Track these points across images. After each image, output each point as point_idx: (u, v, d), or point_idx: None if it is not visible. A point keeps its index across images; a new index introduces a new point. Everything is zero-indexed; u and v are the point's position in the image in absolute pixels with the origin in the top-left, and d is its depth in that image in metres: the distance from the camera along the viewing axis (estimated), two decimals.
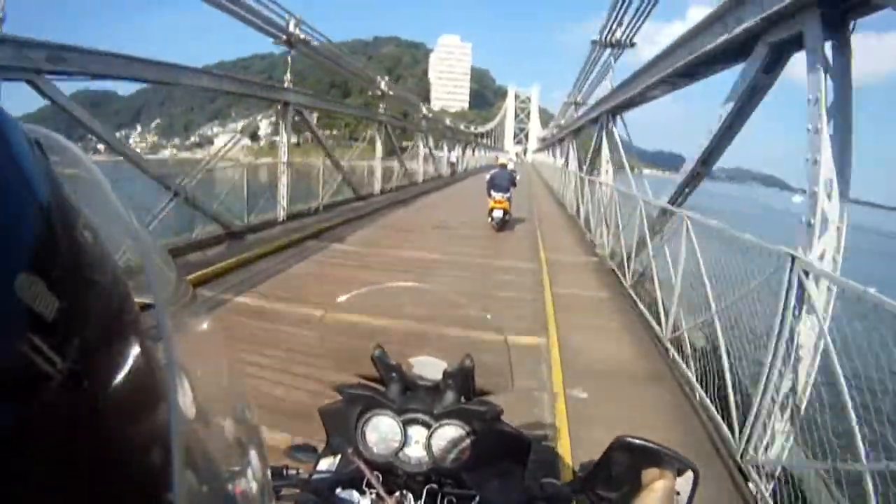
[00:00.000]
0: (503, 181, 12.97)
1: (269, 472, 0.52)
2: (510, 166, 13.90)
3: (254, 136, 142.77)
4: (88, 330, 0.26)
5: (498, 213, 12.85)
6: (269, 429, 3.49)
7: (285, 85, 12.49)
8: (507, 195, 12.98)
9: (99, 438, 0.26)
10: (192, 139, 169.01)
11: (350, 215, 13.64)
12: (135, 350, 0.29)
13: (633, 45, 13.03)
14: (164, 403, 0.29)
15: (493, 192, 12.98)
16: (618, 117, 11.99)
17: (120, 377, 0.28)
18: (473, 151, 60.25)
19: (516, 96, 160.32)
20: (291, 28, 12.01)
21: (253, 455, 0.49)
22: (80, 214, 0.28)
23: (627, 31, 12.62)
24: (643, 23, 11.54)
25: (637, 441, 1.01)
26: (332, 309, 1.47)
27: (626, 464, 1.01)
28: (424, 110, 26.94)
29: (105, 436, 0.26)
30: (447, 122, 42.08)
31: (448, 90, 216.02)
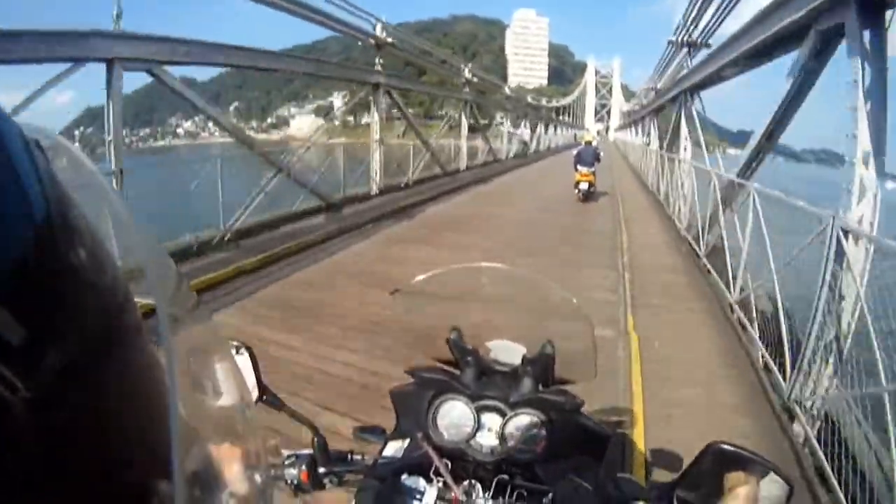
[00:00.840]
0: (588, 156, 14.97)
1: (270, 476, 0.56)
2: (594, 143, 15.54)
3: (328, 116, 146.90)
4: (77, 344, 0.26)
5: (584, 186, 14.90)
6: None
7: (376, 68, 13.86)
8: (592, 169, 14.94)
9: (85, 456, 0.26)
10: (269, 120, 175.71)
11: (442, 189, 15.45)
12: (135, 357, 0.31)
13: (708, 45, 13.02)
14: (164, 414, 0.29)
15: (579, 167, 14.98)
16: (695, 96, 12.58)
17: (116, 387, 0.29)
18: (555, 129, 58.60)
19: (596, 71, 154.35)
20: (378, 31, 13.51)
21: (254, 459, 0.52)
22: (82, 218, 0.29)
23: (704, 33, 13.12)
24: (719, 26, 12.10)
25: (730, 448, 1.00)
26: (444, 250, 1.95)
27: (710, 467, 1.01)
28: (507, 90, 27.44)
29: (94, 452, 0.27)
30: (528, 98, 41.88)
31: (525, 66, 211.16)
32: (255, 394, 1.12)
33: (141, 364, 0.31)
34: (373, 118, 14.00)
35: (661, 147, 17.28)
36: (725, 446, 1.00)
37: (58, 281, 0.26)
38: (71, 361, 0.25)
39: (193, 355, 0.42)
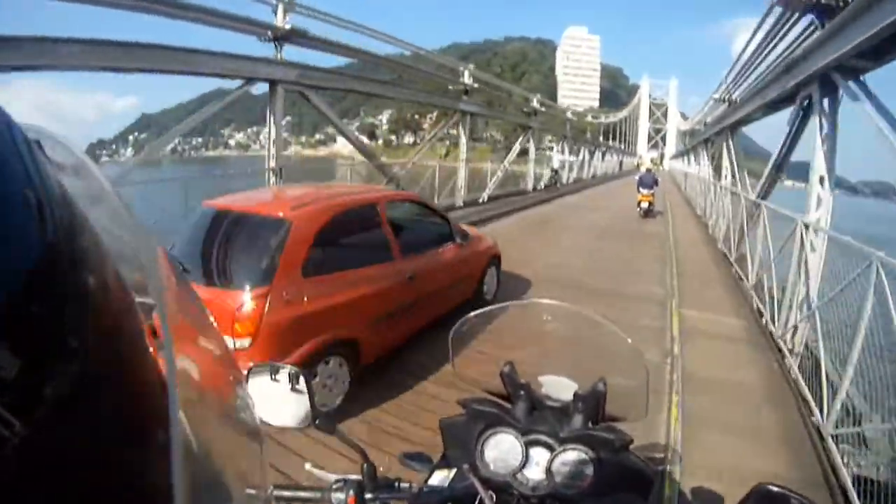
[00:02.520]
0: (648, 180, 19.73)
1: (271, 498, 0.60)
2: (652, 170, 21.15)
3: (371, 136, 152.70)
4: (78, 373, 0.26)
5: (644, 205, 19.50)
6: None
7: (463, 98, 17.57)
8: (652, 191, 19.55)
9: (83, 492, 0.27)
10: (317, 136, 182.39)
11: (517, 205, 19.03)
12: (139, 381, 0.32)
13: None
14: (165, 441, 0.30)
15: (641, 189, 19.66)
16: (736, 132, 15.82)
17: (117, 416, 0.29)
18: (602, 155, 54.49)
19: (651, 97, 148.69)
20: (466, 79, 17.45)
21: (255, 466, 0.55)
22: (84, 221, 0.29)
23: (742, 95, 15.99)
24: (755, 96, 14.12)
25: (777, 489, 1.08)
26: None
27: None
28: (535, 103, 26.12)
29: (92, 487, 0.27)
30: (568, 114, 38.80)
31: (575, 87, 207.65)
32: (308, 419, 1.27)
33: (145, 388, 0.32)
34: (461, 140, 17.67)
35: (712, 175, 20.55)
36: (772, 487, 1.10)
37: (60, 307, 0.26)
38: (71, 392, 0.25)
39: (193, 361, 0.44)
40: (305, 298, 4.00)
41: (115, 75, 8.07)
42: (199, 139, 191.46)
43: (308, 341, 3.96)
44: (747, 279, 9.30)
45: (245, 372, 1.30)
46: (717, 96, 21.09)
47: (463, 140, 17.71)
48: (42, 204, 0.26)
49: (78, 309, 0.26)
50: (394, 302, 4.88)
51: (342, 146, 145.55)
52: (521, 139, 24.76)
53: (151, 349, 0.33)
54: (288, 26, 10.46)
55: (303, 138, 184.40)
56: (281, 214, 4.21)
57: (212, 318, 0.53)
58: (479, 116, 18.57)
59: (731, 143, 15.48)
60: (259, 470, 0.58)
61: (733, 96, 16.49)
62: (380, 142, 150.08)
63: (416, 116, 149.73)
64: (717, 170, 17.91)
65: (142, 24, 9.02)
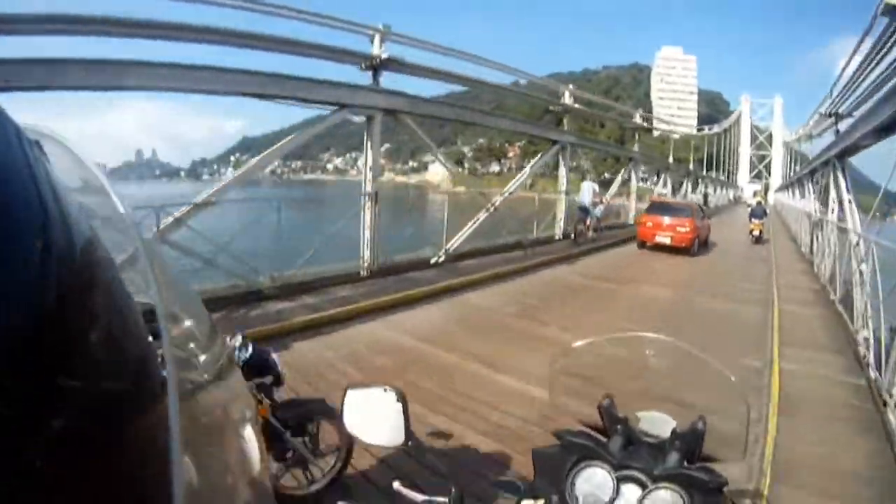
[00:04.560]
0: (759, 211, 25.18)
1: (269, 484, 0.62)
2: (761, 202, 26.56)
3: (459, 163, 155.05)
4: (86, 411, 0.27)
5: (756, 232, 24.55)
6: None
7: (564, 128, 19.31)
8: (762, 221, 24.69)
9: (99, 486, 0.28)
10: (411, 164, 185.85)
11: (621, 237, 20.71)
12: (149, 422, 0.33)
13: (852, 116, 15.05)
14: (167, 478, 0.30)
15: (752, 219, 24.97)
16: (843, 162, 15.59)
17: (122, 455, 0.30)
18: (694, 187, 48.51)
19: (751, 114, 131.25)
20: (567, 100, 18.82)
21: (254, 468, 0.56)
22: (84, 222, 0.30)
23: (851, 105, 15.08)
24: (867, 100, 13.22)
25: None
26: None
27: None
28: (637, 118, 26.94)
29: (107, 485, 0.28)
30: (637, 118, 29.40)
31: (671, 111, 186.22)
32: (402, 438, 1.36)
33: (152, 431, 0.32)
34: (560, 171, 18.96)
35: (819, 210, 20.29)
36: None
37: (75, 302, 0.26)
38: (77, 429, 0.26)
39: (196, 371, 0.46)
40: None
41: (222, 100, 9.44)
42: (299, 162, 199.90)
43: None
44: (851, 322, 9.39)
45: (343, 391, 1.53)
46: (822, 111, 20.38)
47: (563, 171, 18.97)
48: (44, 206, 0.26)
49: (85, 309, 0.28)
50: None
51: (432, 174, 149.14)
52: (622, 171, 26.54)
53: (152, 350, 0.35)
54: (385, 55, 11.40)
55: (398, 165, 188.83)
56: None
57: (212, 320, 0.53)
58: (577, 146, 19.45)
59: (838, 174, 14.74)
60: (258, 471, 0.60)
61: (840, 110, 16.19)
62: (464, 170, 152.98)
63: (506, 145, 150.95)
64: (825, 203, 17.41)
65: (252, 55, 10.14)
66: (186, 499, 0.30)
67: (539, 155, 18.77)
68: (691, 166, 52.07)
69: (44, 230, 0.25)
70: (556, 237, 18.70)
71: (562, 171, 19.13)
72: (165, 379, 0.33)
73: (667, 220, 18.65)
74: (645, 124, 26.96)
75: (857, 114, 15.09)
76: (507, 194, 15.96)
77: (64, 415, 0.25)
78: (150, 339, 0.35)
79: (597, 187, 18.98)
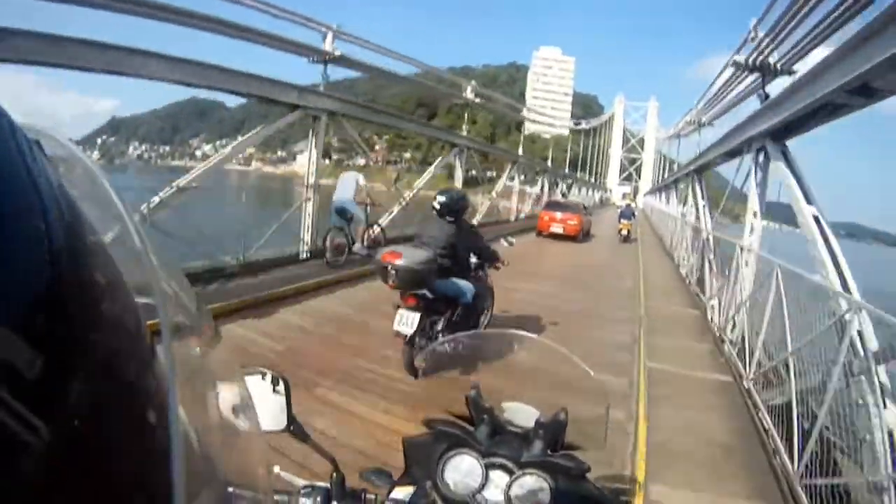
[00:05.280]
0: (628, 212, 27.65)
1: (271, 485, 0.62)
2: (630, 204, 29.95)
3: (325, 154, 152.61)
4: (99, 376, 0.28)
5: (624, 232, 27.05)
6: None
7: (463, 131, 21.69)
8: (630, 221, 27.15)
9: (94, 496, 0.27)
10: (279, 153, 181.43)
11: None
12: (146, 388, 0.33)
13: (791, 72, 10.96)
14: (166, 447, 0.31)
15: (621, 220, 27.37)
16: (700, 175, 18.94)
17: (129, 423, 0.31)
18: (568, 188, 49.25)
19: (626, 117, 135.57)
20: (468, 93, 21.13)
21: (256, 484, 0.56)
22: (86, 223, 0.31)
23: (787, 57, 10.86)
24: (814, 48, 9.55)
25: None
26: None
27: None
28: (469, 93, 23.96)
29: (102, 492, 0.28)
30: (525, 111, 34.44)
31: (545, 111, 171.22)
32: (284, 423, 1.33)
33: (150, 396, 0.33)
34: (457, 175, 21.27)
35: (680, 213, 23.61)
36: None
37: (77, 303, 0.27)
38: (94, 396, 0.27)
39: (203, 383, 0.47)
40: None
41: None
42: (167, 147, 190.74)
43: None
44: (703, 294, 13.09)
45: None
46: (689, 118, 25.84)
47: (458, 174, 21.00)
48: (45, 207, 0.27)
49: (80, 312, 0.27)
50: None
51: (300, 166, 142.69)
52: (506, 171, 28.83)
53: (152, 350, 0.35)
54: (338, 52, 13.13)
55: (267, 154, 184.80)
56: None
57: (212, 320, 0.55)
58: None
59: (696, 185, 18.22)
60: (260, 470, 0.62)
61: (702, 119, 21.49)
62: (331, 162, 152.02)
63: (374, 137, 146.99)
64: (685, 206, 21.71)
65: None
66: (186, 498, 0.32)
67: (442, 157, 20.06)
68: (566, 169, 53.54)
69: (44, 230, 0.26)
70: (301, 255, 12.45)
71: (458, 174, 20.80)
72: (165, 379, 0.35)
73: (559, 214, 24.73)
74: (529, 118, 29.24)
75: (716, 123, 19.74)
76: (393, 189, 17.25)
77: (63, 414, 0.25)
78: (150, 337, 0.36)
79: (361, 179, 12.77)
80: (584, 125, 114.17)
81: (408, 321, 5.75)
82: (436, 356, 1.92)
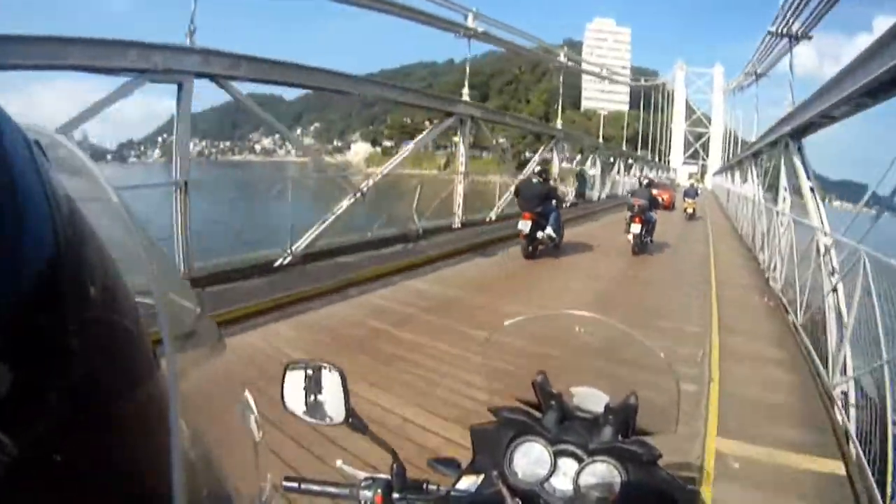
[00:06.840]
0: (692, 192, 29.77)
1: (268, 483, 0.61)
2: (695, 184, 34.68)
3: (374, 143, 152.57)
4: (80, 393, 0.27)
5: (689, 210, 28.41)
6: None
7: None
8: (694, 200, 28.84)
9: (87, 483, 0.28)
10: (336, 143, 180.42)
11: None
12: (142, 401, 0.33)
13: (809, 37, 15.68)
14: (165, 461, 0.31)
15: (686, 199, 29.55)
16: (797, 142, 11.61)
17: (118, 439, 0.31)
18: (627, 168, 45.51)
19: (688, 86, 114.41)
20: (470, 21, 17.24)
21: (253, 467, 0.57)
22: (85, 224, 0.31)
23: (805, 23, 14.66)
24: (827, 12, 13.21)
25: None
26: None
27: None
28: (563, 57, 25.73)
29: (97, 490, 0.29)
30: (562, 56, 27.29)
31: (602, 88, 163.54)
32: (342, 415, 1.32)
33: (146, 392, 0.34)
34: (460, 150, 16.73)
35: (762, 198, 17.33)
36: None
37: (62, 316, 0.27)
38: (70, 413, 0.26)
39: (204, 389, 0.47)
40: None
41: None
42: (227, 143, 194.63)
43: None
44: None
45: (283, 369, 1.40)
46: (772, 29, 16.89)
47: (462, 149, 16.65)
48: (46, 207, 0.27)
49: (80, 316, 0.28)
50: None
51: (353, 154, 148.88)
52: (542, 148, 23.64)
53: (153, 351, 0.34)
54: (480, 29, 16.58)
55: (327, 146, 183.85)
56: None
57: (216, 326, 0.54)
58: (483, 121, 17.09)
59: (792, 156, 11.24)
60: (257, 470, 0.59)
61: (793, 29, 14.08)
62: (378, 149, 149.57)
63: (426, 122, 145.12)
64: (772, 190, 15.12)
65: None
66: (186, 496, 0.31)
67: (429, 130, 17.08)
68: (624, 146, 50.56)
69: (44, 230, 0.26)
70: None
71: (461, 149, 16.57)
72: (165, 379, 0.35)
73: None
74: (569, 63, 28.06)
75: (816, 36, 14.19)
76: (379, 177, 12.98)
77: (62, 414, 0.26)
78: (150, 336, 0.35)
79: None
80: (643, 82, 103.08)
81: (526, 226, 12.40)
82: (500, 341, 1.82)
